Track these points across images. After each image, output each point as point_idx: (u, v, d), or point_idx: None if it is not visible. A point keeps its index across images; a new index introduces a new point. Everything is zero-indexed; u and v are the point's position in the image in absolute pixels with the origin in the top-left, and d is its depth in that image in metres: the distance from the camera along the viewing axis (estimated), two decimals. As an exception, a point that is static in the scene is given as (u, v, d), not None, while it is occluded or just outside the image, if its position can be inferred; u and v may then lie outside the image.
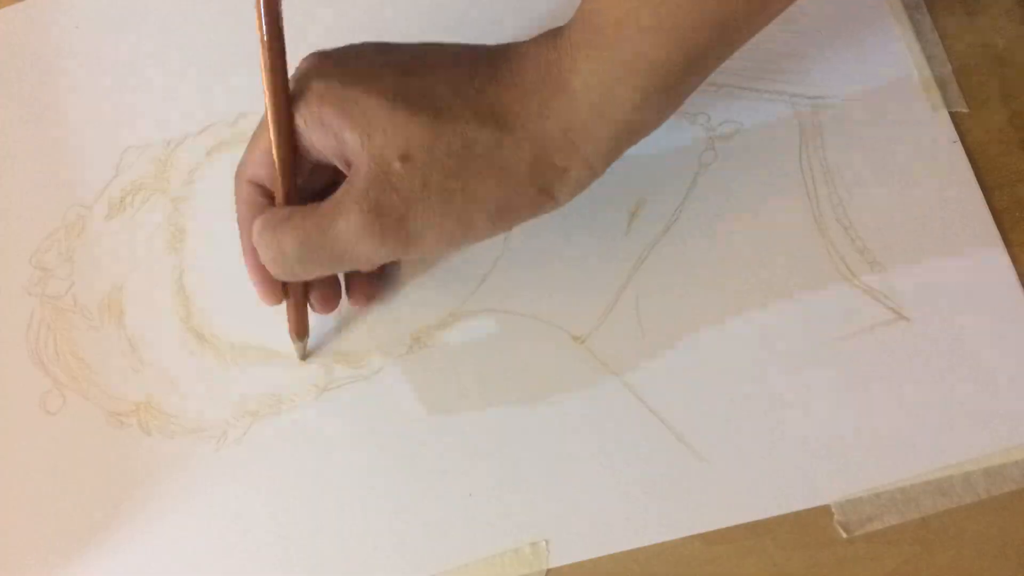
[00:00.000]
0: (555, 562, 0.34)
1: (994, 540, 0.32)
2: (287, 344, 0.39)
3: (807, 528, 0.33)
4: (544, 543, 0.35)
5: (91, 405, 0.41)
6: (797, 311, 0.36)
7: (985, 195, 0.35)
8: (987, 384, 0.33)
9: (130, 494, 0.39)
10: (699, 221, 0.38)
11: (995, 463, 0.32)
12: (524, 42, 0.32)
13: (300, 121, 0.32)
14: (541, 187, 0.31)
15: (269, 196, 0.35)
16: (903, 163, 0.37)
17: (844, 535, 0.33)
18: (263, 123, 0.33)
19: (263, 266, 0.34)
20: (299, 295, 0.37)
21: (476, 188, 0.30)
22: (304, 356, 0.39)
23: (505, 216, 0.32)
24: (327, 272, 0.35)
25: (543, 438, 0.36)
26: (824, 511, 0.33)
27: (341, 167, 0.33)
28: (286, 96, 0.32)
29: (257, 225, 0.33)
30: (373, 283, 0.39)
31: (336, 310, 0.38)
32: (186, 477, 0.38)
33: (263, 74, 0.32)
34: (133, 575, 0.37)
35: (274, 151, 0.33)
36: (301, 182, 0.34)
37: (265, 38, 0.31)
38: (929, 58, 0.38)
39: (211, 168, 0.43)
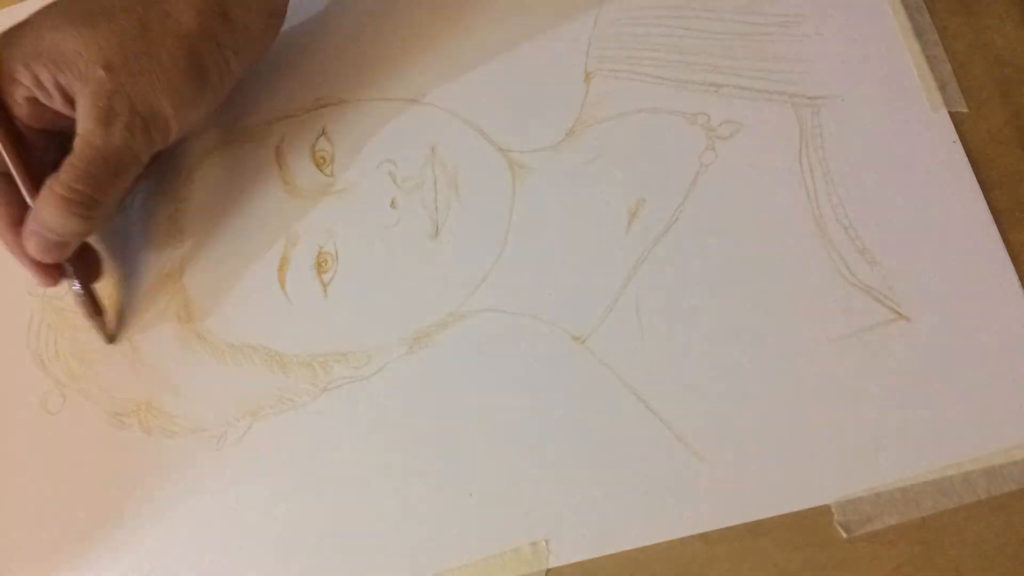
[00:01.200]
0: (555, 562, 0.34)
1: (994, 540, 0.32)
2: (287, 344, 0.39)
3: (807, 528, 0.33)
4: (544, 543, 0.35)
5: (92, 405, 0.41)
6: (797, 311, 0.35)
7: (985, 195, 0.35)
8: (986, 384, 0.33)
9: (131, 494, 0.39)
10: (699, 221, 0.37)
11: (995, 463, 0.32)
12: None
13: (24, 84, 0.36)
14: (215, 31, 0.37)
15: (9, 179, 0.38)
16: (903, 163, 0.37)
17: (844, 535, 0.33)
18: None
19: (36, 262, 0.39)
20: (82, 274, 0.40)
21: (167, 57, 0.36)
22: (111, 338, 0.41)
23: (208, 66, 0.37)
24: (117, 191, 0.38)
25: (543, 438, 0.36)
26: (824, 511, 0.33)
27: (68, 111, 0.37)
28: None
29: (45, 206, 0.36)
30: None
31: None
32: (187, 476, 0.39)
33: None
34: (134, 574, 0.38)
35: (5, 150, 0.37)
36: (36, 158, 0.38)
37: None
38: (929, 58, 0.38)
39: (210, 169, 0.43)
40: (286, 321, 0.40)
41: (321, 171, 0.42)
